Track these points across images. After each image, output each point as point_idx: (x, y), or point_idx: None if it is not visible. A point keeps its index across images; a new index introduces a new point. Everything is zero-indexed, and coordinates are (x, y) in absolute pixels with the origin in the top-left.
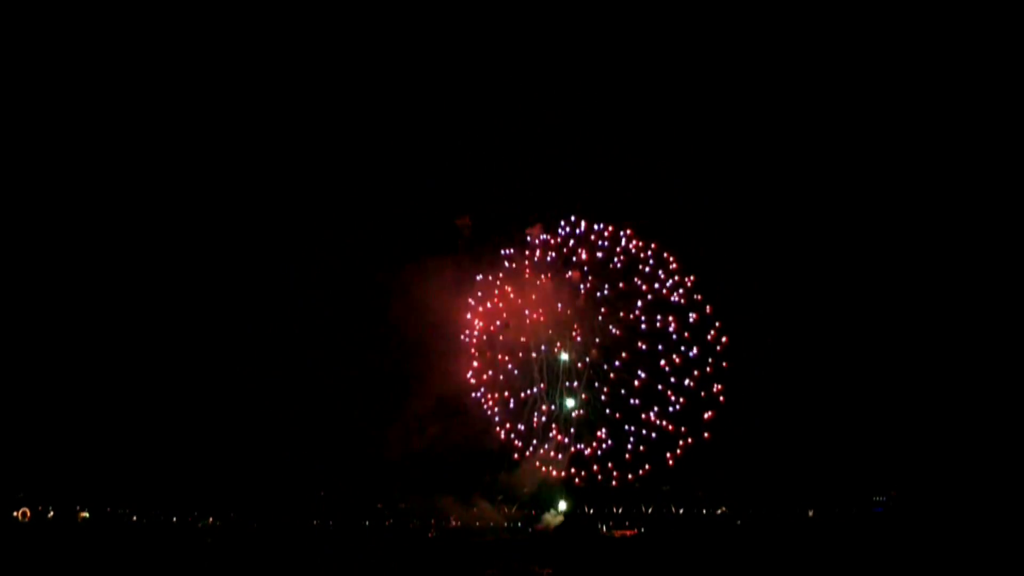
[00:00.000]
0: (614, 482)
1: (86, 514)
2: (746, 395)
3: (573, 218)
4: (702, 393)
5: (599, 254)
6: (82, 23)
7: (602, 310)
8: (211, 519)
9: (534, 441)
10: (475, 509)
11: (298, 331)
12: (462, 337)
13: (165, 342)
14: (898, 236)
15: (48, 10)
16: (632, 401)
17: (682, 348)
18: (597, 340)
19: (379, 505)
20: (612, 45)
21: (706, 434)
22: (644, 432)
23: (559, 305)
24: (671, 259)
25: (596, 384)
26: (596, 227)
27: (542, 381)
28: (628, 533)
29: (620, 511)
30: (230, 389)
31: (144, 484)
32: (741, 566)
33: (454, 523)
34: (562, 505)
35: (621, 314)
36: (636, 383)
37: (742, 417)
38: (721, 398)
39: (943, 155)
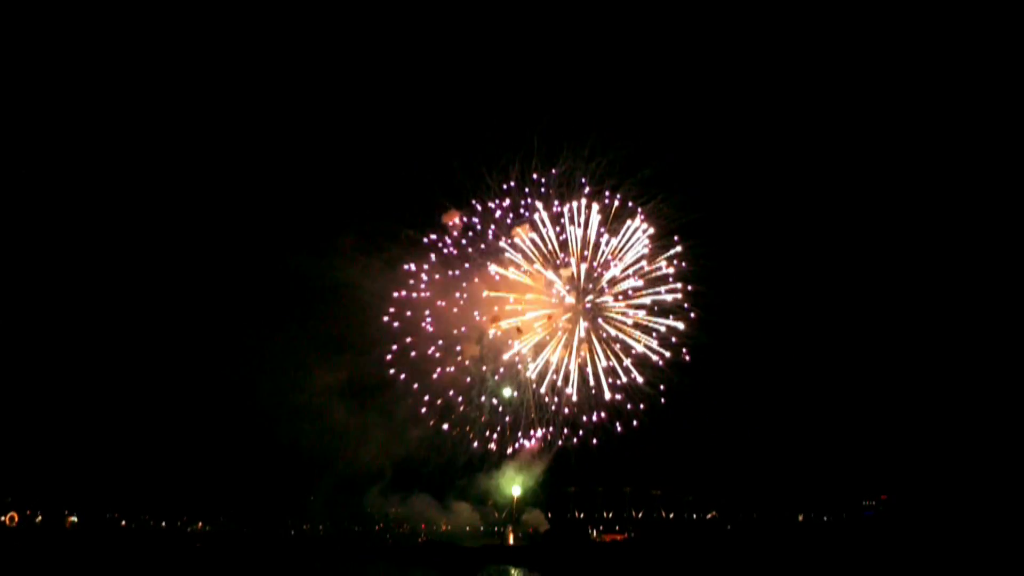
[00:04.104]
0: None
1: (74, 519)
2: (738, 400)
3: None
4: None
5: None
6: (80, 23)
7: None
8: (200, 524)
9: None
10: (457, 513)
11: (281, 338)
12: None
13: (153, 350)
14: (891, 246)
15: (48, 10)
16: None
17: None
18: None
19: (368, 510)
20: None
21: None
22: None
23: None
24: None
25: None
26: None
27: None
28: (618, 538)
29: (610, 516)
30: (218, 395)
31: (133, 489)
32: (731, 570)
33: (444, 527)
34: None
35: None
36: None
37: (733, 422)
38: None
39: (940, 150)
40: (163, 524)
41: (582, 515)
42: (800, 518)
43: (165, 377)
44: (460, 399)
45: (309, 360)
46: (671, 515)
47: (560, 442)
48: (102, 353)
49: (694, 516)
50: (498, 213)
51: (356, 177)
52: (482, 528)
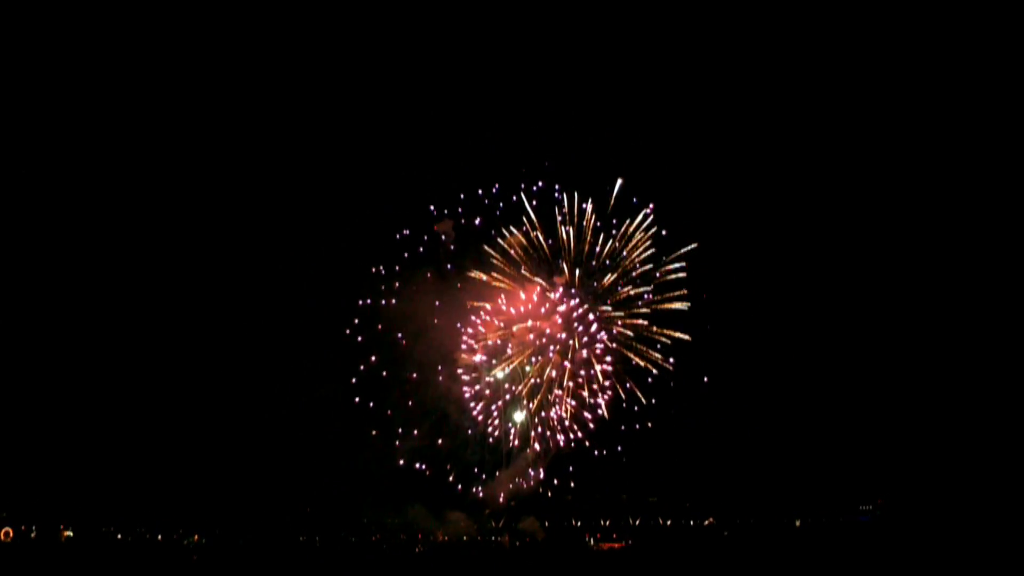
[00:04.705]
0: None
1: (69, 533)
2: (734, 406)
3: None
4: None
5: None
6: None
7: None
8: (196, 536)
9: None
10: (454, 522)
11: (280, 347)
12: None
13: (148, 360)
14: (881, 254)
15: (48, 10)
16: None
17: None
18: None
19: (364, 520)
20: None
21: None
22: None
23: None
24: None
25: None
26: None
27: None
28: (616, 545)
29: (607, 523)
30: (214, 405)
31: (128, 502)
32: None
33: (441, 537)
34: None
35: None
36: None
37: (729, 428)
38: None
39: (938, 148)
40: (159, 537)
41: (579, 523)
42: (797, 523)
43: (160, 389)
44: (442, 428)
45: (305, 371)
46: (668, 522)
47: (556, 481)
48: (96, 366)
49: (691, 523)
50: (485, 212)
51: (349, 179)
52: (479, 537)
